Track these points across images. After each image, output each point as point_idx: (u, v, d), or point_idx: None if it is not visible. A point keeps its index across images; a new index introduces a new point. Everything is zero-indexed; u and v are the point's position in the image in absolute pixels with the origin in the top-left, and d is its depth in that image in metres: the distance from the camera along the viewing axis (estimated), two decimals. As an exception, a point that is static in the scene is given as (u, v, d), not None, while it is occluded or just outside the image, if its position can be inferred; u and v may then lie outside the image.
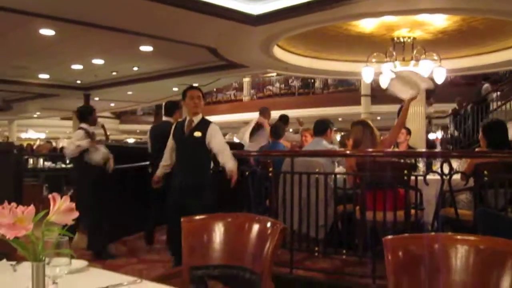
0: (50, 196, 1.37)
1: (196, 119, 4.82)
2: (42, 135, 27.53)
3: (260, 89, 24.14)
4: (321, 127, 6.05)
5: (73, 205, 1.36)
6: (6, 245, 1.53)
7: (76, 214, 1.37)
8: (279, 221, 2.60)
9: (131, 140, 26.56)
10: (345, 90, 20.53)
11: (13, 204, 1.29)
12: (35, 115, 23.68)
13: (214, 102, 24.00)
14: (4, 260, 1.69)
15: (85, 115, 5.71)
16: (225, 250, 2.26)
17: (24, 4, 6.75)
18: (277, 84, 23.19)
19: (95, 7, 6.92)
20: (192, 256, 2.27)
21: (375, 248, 4.18)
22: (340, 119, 19.31)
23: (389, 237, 1.80)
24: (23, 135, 27.31)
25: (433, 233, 1.81)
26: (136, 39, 9.02)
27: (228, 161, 4.66)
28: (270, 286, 2.00)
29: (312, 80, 21.37)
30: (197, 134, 4.75)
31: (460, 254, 1.72)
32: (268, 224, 2.18)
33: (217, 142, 4.74)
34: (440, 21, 8.06)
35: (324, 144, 5.82)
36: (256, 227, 2.21)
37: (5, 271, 1.55)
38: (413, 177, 4.40)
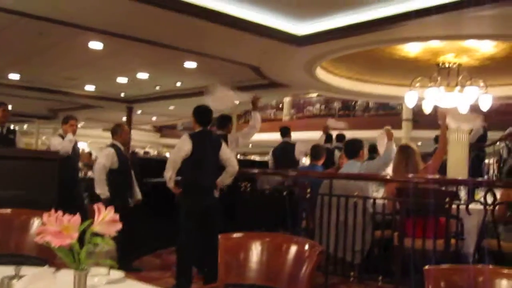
0: (95, 206, 1.38)
1: None
2: (84, 145, 28.09)
3: (300, 109, 24.10)
4: (354, 149, 5.82)
5: (117, 216, 1.37)
6: (46, 251, 1.55)
7: (119, 226, 1.38)
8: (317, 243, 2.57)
9: (168, 155, 26.76)
10: (386, 114, 20.29)
11: (60, 212, 1.31)
12: (79, 125, 24.21)
13: (253, 121, 23.93)
14: (47, 266, 1.71)
15: None
16: (261, 270, 2.24)
17: (75, 17, 6.96)
18: (317, 105, 23.11)
19: (142, 22, 7.06)
20: (228, 274, 2.26)
21: (413, 277, 4.08)
22: (379, 142, 19.03)
23: (431, 266, 1.75)
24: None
25: (478, 265, 1.75)
26: (181, 55, 9.17)
27: None
28: (306, 309, 1.98)
29: (353, 103, 21.23)
30: None
31: (505, 289, 1.66)
32: (306, 246, 2.16)
33: None
34: (487, 48, 7.90)
35: (358, 166, 5.67)
36: (294, 249, 2.19)
37: (47, 277, 1.57)
38: (454, 206, 4.30)
